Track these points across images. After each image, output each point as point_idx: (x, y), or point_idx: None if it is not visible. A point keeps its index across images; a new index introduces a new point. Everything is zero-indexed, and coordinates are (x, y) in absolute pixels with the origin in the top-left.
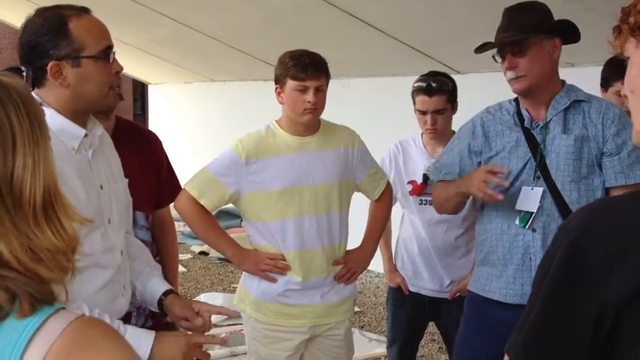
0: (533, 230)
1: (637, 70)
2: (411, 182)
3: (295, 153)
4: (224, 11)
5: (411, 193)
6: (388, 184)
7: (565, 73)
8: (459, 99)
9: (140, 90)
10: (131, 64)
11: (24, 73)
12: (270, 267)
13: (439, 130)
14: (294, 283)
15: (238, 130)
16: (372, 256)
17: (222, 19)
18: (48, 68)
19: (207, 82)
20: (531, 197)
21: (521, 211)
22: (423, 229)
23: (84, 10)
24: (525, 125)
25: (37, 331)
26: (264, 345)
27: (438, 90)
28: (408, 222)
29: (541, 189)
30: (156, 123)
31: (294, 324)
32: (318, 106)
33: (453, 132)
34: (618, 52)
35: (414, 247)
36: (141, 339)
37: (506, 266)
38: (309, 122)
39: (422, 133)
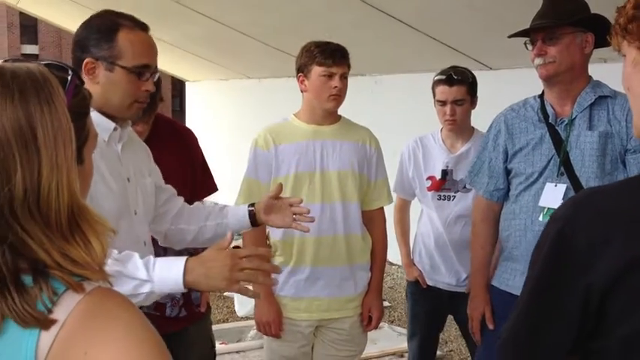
0: None
1: (629, 69)
2: (430, 178)
3: (310, 139)
4: (258, 9)
5: (430, 188)
6: (382, 209)
7: (598, 69)
8: (491, 95)
9: (178, 87)
10: (169, 62)
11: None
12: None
13: (458, 122)
14: (301, 271)
15: None
16: (381, 293)
17: (256, 17)
18: (84, 63)
19: (243, 79)
20: (555, 193)
21: (545, 207)
22: (440, 224)
23: (139, 25)
24: (550, 121)
25: (55, 303)
26: (274, 339)
27: (459, 80)
28: (426, 217)
29: (565, 185)
30: (193, 119)
31: (301, 317)
32: (342, 92)
33: (473, 128)
34: (616, 49)
35: (431, 241)
36: (170, 265)
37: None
38: (333, 109)
39: (441, 129)
